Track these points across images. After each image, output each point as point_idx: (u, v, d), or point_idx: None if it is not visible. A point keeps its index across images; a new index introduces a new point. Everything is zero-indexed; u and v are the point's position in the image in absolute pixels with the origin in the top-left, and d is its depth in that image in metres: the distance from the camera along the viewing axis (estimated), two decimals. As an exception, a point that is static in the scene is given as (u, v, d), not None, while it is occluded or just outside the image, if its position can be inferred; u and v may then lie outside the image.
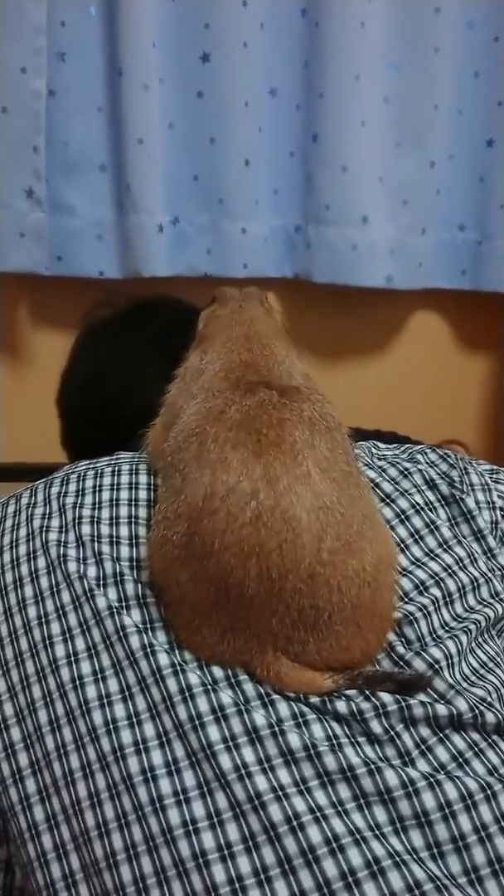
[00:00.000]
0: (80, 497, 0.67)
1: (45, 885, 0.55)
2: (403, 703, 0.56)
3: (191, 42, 1.24)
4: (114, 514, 0.65)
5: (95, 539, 0.63)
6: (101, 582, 0.61)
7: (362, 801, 0.52)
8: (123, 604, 0.60)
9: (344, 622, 0.56)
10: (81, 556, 0.62)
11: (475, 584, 0.66)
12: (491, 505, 0.73)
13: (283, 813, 0.51)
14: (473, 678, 0.61)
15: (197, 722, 0.54)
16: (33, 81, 1.21)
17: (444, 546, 0.67)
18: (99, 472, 0.69)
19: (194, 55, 1.24)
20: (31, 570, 0.63)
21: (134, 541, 0.64)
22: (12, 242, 1.26)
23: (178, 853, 0.51)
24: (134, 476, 0.68)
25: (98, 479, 0.68)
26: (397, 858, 0.50)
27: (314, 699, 0.56)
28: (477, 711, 0.57)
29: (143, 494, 0.67)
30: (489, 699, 0.59)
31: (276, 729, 0.54)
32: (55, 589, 0.61)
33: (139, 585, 0.61)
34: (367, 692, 0.56)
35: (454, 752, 0.56)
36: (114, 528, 0.64)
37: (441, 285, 1.41)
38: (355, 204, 1.30)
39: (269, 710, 0.55)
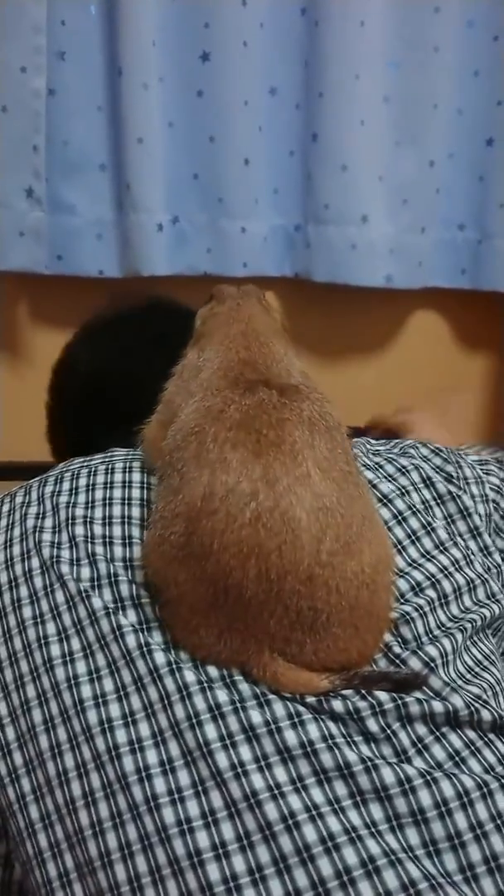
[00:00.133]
0: (73, 496, 0.66)
1: (43, 882, 0.55)
2: (400, 701, 0.56)
3: (191, 41, 1.24)
4: (107, 514, 0.65)
5: (89, 540, 0.63)
6: (96, 583, 0.61)
7: (358, 798, 0.52)
8: (119, 605, 0.60)
9: (342, 623, 0.56)
10: (75, 557, 0.62)
11: (471, 585, 0.66)
12: (484, 498, 0.73)
13: (279, 811, 0.51)
14: (468, 676, 0.61)
15: (195, 720, 0.54)
16: (33, 80, 1.20)
17: (441, 548, 0.67)
18: (93, 470, 0.69)
19: (194, 54, 1.24)
20: (25, 569, 0.63)
21: (127, 541, 0.63)
22: (12, 241, 1.26)
23: (172, 852, 0.51)
24: (127, 474, 0.68)
25: (91, 478, 0.68)
26: (392, 857, 0.50)
27: (310, 699, 0.56)
28: (473, 709, 0.57)
29: (136, 493, 0.66)
30: (484, 696, 0.59)
31: (273, 727, 0.54)
32: (49, 589, 0.61)
33: (134, 586, 0.61)
34: (364, 691, 0.56)
35: (451, 750, 0.56)
36: (107, 527, 0.64)
37: (441, 284, 1.41)
38: (355, 203, 1.30)
39: (265, 709, 0.55)
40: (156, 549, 0.59)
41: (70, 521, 0.64)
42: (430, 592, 0.64)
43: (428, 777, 0.53)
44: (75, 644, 0.59)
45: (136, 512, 0.65)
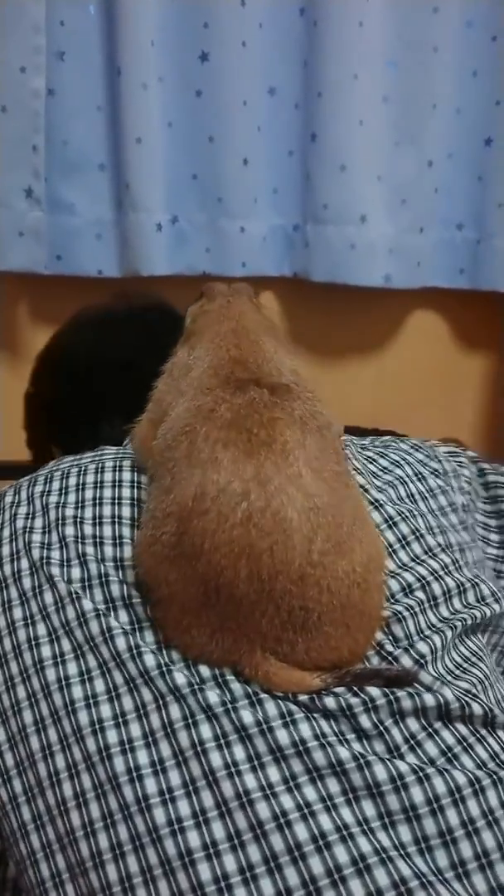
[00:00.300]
0: (63, 496, 0.66)
1: (36, 883, 0.55)
2: (392, 696, 0.56)
3: (190, 41, 1.24)
4: (97, 514, 0.65)
5: (79, 540, 0.63)
6: (86, 584, 0.61)
7: (351, 795, 0.52)
8: (109, 605, 0.60)
9: (333, 623, 0.56)
10: (65, 557, 0.62)
11: (461, 588, 0.66)
12: (462, 490, 0.76)
13: (271, 810, 0.51)
14: (457, 672, 0.61)
15: (190, 720, 0.54)
16: (32, 80, 1.21)
17: (430, 553, 0.67)
18: (83, 469, 0.68)
19: (193, 54, 1.24)
20: (14, 570, 0.62)
21: (118, 540, 0.63)
22: (11, 241, 1.26)
23: (164, 852, 0.51)
24: (118, 473, 0.67)
25: (81, 477, 0.67)
26: (384, 855, 0.50)
27: (302, 697, 0.56)
28: (463, 702, 0.57)
29: (126, 492, 0.66)
30: (474, 690, 0.59)
31: (265, 727, 0.54)
32: (38, 590, 0.61)
33: (125, 586, 0.61)
34: (356, 688, 0.57)
35: (443, 747, 0.56)
36: (97, 527, 0.64)
37: (439, 284, 1.41)
38: (354, 203, 1.30)
39: (256, 708, 0.55)
40: (147, 549, 0.59)
41: (60, 522, 0.64)
42: (420, 594, 0.64)
43: (420, 773, 0.53)
44: (66, 645, 0.58)
45: (126, 511, 0.65)
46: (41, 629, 0.60)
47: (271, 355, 0.66)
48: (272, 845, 0.50)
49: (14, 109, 1.21)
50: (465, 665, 0.62)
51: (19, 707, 0.58)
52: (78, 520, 0.64)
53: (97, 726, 0.55)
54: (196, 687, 0.55)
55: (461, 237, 1.39)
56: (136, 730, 0.55)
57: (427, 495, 0.71)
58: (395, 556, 0.66)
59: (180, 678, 0.56)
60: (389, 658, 0.60)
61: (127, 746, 0.54)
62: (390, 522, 0.68)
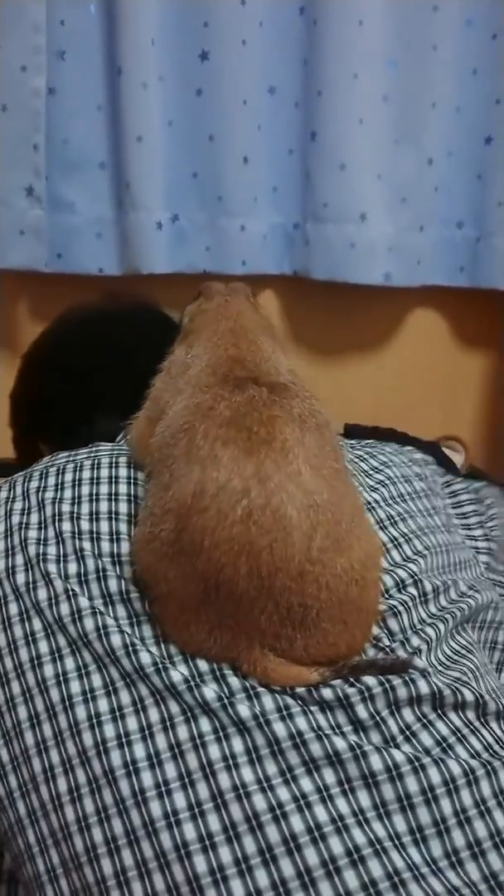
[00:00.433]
0: (59, 492, 0.66)
1: (33, 877, 0.56)
2: (387, 685, 0.57)
3: (190, 40, 1.24)
4: (94, 510, 0.65)
5: (76, 536, 0.63)
6: (83, 579, 0.61)
7: (346, 785, 0.53)
8: (107, 600, 0.60)
9: (331, 619, 0.57)
10: (62, 553, 0.62)
11: (445, 586, 0.67)
12: (439, 495, 0.78)
13: (267, 802, 0.52)
14: (448, 662, 0.62)
15: (189, 714, 0.55)
16: (33, 80, 1.21)
17: (419, 554, 0.68)
18: (78, 465, 0.68)
19: (193, 53, 1.24)
20: (8, 566, 0.62)
21: (115, 536, 0.63)
22: (12, 240, 1.26)
23: (159, 845, 0.51)
24: (114, 469, 0.68)
25: (77, 473, 0.67)
26: (378, 846, 0.51)
27: (300, 689, 0.56)
28: (454, 689, 0.58)
29: (123, 489, 0.66)
30: (465, 678, 0.60)
31: (262, 720, 0.54)
32: (32, 586, 0.61)
33: (122, 581, 0.61)
34: (352, 679, 0.57)
35: (438, 737, 0.57)
36: (94, 523, 0.64)
37: (439, 282, 1.41)
38: (354, 201, 1.30)
39: (253, 702, 0.56)
40: (145, 546, 0.59)
41: (56, 517, 0.64)
42: (413, 590, 0.65)
43: (416, 763, 0.54)
44: (61, 641, 0.59)
45: (123, 507, 0.65)
46: (36, 624, 0.60)
47: (269, 354, 0.67)
48: (267, 837, 0.51)
49: (14, 108, 1.21)
50: (456, 657, 0.63)
51: (14, 703, 0.58)
52: (74, 515, 0.64)
53: (94, 720, 0.55)
54: (193, 683, 0.56)
55: (461, 235, 1.39)
56: (132, 723, 0.55)
57: (414, 496, 0.72)
58: (387, 556, 0.67)
59: (177, 675, 0.56)
60: (386, 651, 0.60)
61: (124, 740, 0.54)
62: (382, 524, 0.69)
